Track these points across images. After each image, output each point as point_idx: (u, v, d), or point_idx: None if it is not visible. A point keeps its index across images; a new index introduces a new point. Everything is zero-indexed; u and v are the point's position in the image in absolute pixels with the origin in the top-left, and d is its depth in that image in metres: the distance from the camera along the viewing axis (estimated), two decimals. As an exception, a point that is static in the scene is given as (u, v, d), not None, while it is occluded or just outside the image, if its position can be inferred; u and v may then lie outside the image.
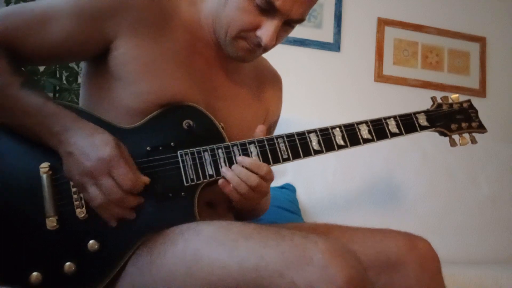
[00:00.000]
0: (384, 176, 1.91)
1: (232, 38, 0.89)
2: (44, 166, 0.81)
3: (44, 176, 0.80)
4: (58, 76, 1.86)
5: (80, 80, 1.80)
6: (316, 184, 1.82)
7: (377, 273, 0.89)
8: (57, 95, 1.83)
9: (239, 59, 0.95)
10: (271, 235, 0.70)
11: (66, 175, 0.80)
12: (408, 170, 1.94)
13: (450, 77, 2.39)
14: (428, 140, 1.98)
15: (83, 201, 0.81)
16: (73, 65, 1.87)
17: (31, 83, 0.82)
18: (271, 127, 1.16)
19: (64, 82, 1.84)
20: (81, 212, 0.81)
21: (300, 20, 0.89)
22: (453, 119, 1.03)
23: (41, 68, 1.80)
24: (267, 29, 0.86)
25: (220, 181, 0.87)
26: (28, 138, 0.82)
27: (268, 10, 0.85)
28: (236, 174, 0.85)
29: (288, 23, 0.89)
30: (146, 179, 0.82)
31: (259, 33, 0.87)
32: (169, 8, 0.91)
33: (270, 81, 1.13)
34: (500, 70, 2.48)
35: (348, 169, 1.88)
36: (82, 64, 0.97)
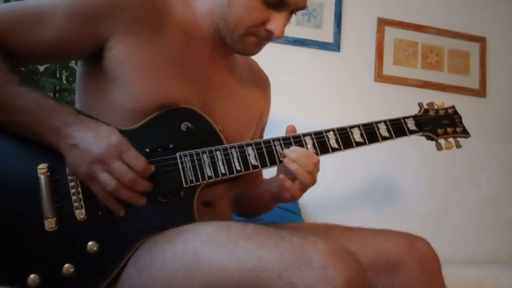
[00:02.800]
0: (384, 176, 1.91)
1: (241, 35, 0.90)
2: (42, 167, 0.80)
3: (42, 177, 0.80)
4: (58, 76, 1.86)
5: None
6: (316, 184, 1.81)
7: (377, 274, 0.89)
8: (57, 95, 1.83)
9: (247, 54, 0.97)
10: (270, 235, 0.70)
11: (71, 169, 0.80)
12: (408, 170, 1.94)
13: (450, 77, 2.39)
14: (427, 140, 1.98)
15: (82, 202, 0.81)
16: (73, 65, 1.87)
17: (28, 81, 0.82)
18: (263, 129, 1.17)
19: (64, 82, 1.84)
20: (80, 214, 0.81)
21: (304, 7, 0.92)
22: (439, 124, 1.08)
23: (41, 68, 1.80)
24: (277, 22, 0.88)
25: (282, 176, 0.92)
26: (26, 136, 0.81)
27: (276, 4, 0.87)
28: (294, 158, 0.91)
29: (292, 11, 0.91)
30: (152, 167, 0.83)
31: (269, 27, 0.88)
32: (162, 8, 0.91)
33: (262, 83, 1.15)
34: (500, 70, 2.48)
35: (348, 169, 1.88)
36: (78, 65, 0.97)
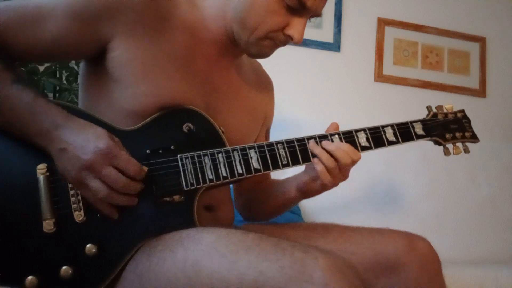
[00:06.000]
0: (384, 176, 1.90)
1: (258, 38, 0.90)
2: (41, 168, 0.80)
3: (41, 178, 0.79)
4: (58, 76, 1.85)
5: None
6: (316, 184, 1.81)
7: (376, 275, 0.89)
8: (57, 95, 1.83)
9: (260, 56, 0.96)
10: (271, 247, 0.69)
11: (61, 174, 0.79)
12: (408, 170, 1.94)
13: (450, 77, 2.39)
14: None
15: (81, 204, 0.80)
16: (73, 65, 1.87)
17: (22, 79, 0.81)
18: (268, 132, 1.17)
19: (64, 82, 1.84)
20: (79, 215, 0.80)
21: (320, 14, 0.92)
22: (447, 128, 1.05)
23: (41, 68, 1.80)
24: (297, 28, 0.88)
25: (315, 160, 0.92)
26: (19, 137, 0.80)
27: (298, 9, 0.87)
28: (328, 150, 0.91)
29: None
30: (145, 168, 0.81)
31: (289, 32, 0.88)
32: (167, 9, 0.90)
33: (266, 86, 1.14)
34: (500, 70, 2.47)
35: (348, 169, 1.87)
36: (81, 64, 0.97)
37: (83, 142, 0.76)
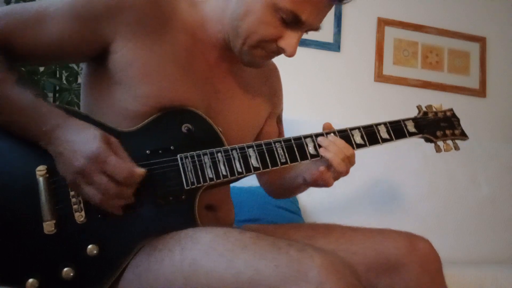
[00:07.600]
0: (384, 176, 1.91)
1: (250, 47, 0.89)
2: (41, 169, 0.79)
3: (41, 179, 0.79)
4: (58, 76, 1.86)
5: (80, 80, 1.80)
6: (317, 184, 1.81)
7: (377, 275, 0.89)
8: (57, 95, 1.83)
9: (253, 66, 0.96)
10: (267, 246, 0.69)
11: (62, 175, 0.79)
12: (408, 170, 1.94)
13: (450, 77, 2.39)
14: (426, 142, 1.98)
15: (81, 205, 0.80)
16: (73, 65, 1.87)
17: (25, 80, 0.82)
18: (279, 118, 1.18)
19: (64, 82, 1.84)
20: (80, 216, 0.80)
21: (317, 29, 0.91)
22: (438, 126, 1.09)
23: (41, 68, 1.80)
24: (291, 41, 0.87)
25: (322, 168, 0.94)
26: (19, 136, 0.80)
27: (292, 23, 0.85)
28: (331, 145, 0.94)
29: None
30: (142, 171, 0.79)
31: (282, 44, 0.87)
32: (167, 9, 0.90)
33: (272, 72, 1.14)
34: (500, 70, 2.48)
35: (348, 169, 1.87)
36: (83, 65, 0.97)
37: (76, 146, 0.76)
